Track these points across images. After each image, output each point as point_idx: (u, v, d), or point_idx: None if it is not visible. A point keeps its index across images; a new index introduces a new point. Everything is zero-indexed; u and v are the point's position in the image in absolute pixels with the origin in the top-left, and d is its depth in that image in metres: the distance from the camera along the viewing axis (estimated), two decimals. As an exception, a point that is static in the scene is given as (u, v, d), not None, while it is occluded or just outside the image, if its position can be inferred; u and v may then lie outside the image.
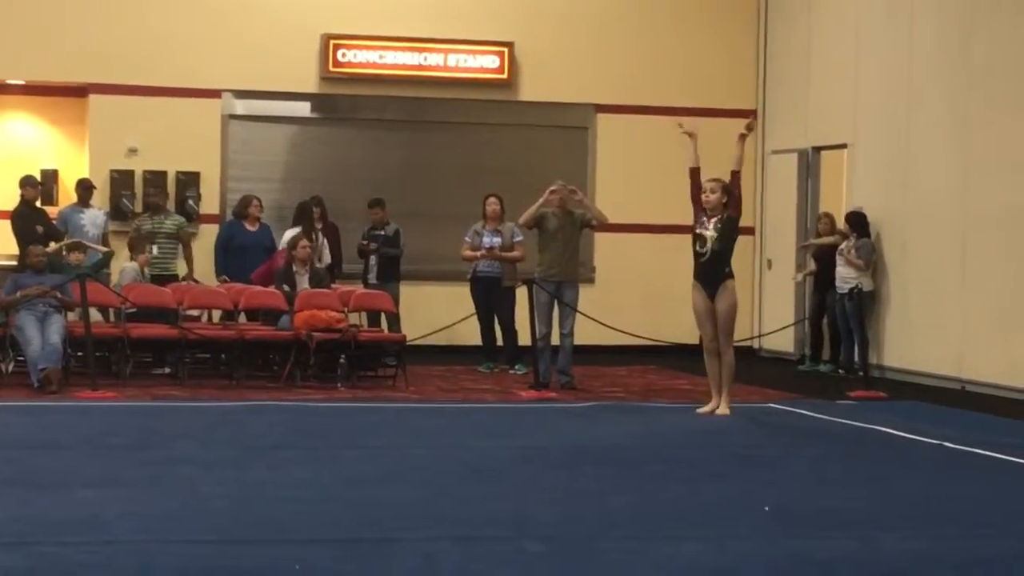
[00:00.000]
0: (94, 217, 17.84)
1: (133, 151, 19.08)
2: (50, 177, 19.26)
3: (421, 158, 20.13)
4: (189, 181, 19.31)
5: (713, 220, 13.69)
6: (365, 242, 18.19)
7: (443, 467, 10.72)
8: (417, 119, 20.17)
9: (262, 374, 16.33)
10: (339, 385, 15.74)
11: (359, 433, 12.70)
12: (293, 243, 17.01)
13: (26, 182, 17.71)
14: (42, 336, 14.99)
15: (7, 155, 19.45)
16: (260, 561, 7.51)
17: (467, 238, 17.61)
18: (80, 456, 10.92)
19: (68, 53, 18.87)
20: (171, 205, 18.77)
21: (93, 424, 12.78)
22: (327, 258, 17.80)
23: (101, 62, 18.97)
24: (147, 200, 18.37)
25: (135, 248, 17.22)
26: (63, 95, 19.63)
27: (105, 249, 17.33)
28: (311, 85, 19.79)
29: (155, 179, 18.98)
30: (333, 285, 17.08)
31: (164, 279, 17.20)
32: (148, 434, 12.26)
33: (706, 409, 13.91)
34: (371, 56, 19.90)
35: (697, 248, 13.77)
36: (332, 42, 19.68)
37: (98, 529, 8.11)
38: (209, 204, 19.36)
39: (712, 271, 13.70)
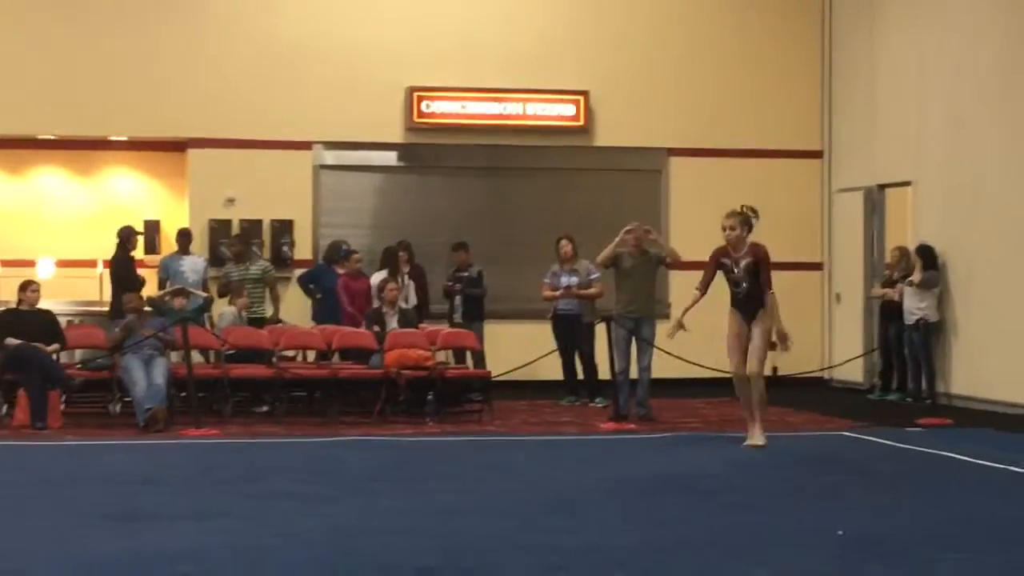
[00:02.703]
0: (193, 264, 17.95)
1: (230, 201, 19.21)
2: (152, 227, 19.41)
3: (502, 203, 20.14)
4: (283, 228, 19.41)
5: (740, 262, 13.18)
6: (450, 283, 18.21)
7: (529, 498, 10.64)
8: (497, 166, 20.18)
9: (354, 410, 16.33)
10: (428, 420, 15.73)
11: (448, 466, 12.67)
12: (381, 286, 17.07)
13: (124, 232, 17.84)
14: (147, 377, 15.08)
15: (112, 207, 19.62)
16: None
17: (546, 279, 17.59)
18: (183, 490, 10.95)
19: (168, 111, 19.04)
20: (266, 252, 18.87)
21: (196, 460, 12.83)
22: (413, 299, 17.81)
23: (199, 118, 19.13)
24: (232, 249, 18.47)
25: (232, 293, 17.35)
26: (164, 150, 19.80)
27: (205, 295, 17.44)
28: (397, 135, 19.85)
29: (251, 228, 19.11)
30: (420, 325, 17.09)
31: (253, 322, 17.27)
32: (248, 469, 12.27)
33: (750, 442, 13.48)
34: (453, 107, 19.96)
35: (732, 288, 13.32)
36: (416, 94, 19.75)
37: (200, 560, 8.09)
38: (302, 250, 19.43)
39: (749, 304, 13.30)
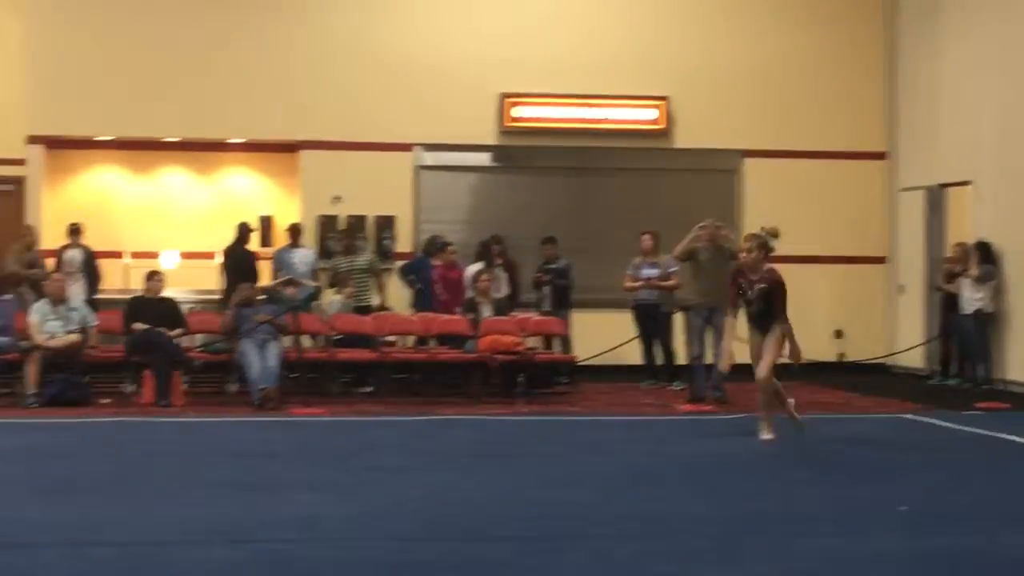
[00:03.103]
0: (304, 256, 18.11)
1: (337, 199, 19.32)
2: (266, 223, 19.58)
3: (587, 200, 20.12)
4: (385, 224, 19.51)
5: (755, 285, 12.18)
6: (539, 275, 18.22)
7: (612, 472, 10.67)
8: (583, 166, 20.16)
9: (450, 392, 16.40)
10: (518, 401, 15.77)
11: (537, 443, 12.71)
12: (475, 277, 17.14)
13: (242, 227, 18.05)
14: (262, 360, 15.22)
15: (229, 204, 19.81)
16: (451, 555, 7.53)
17: (629, 271, 17.58)
18: (294, 464, 11.05)
19: (282, 115, 19.20)
20: (370, 245, 18.98)
21: (305, 436, 12.96)
22: (506, 290, 17.85)
23: (310, 122, 19.28)
24: (341, 243, 18.59)
25: (340, 283, 17.49)
26: (278, 151, 19.94)
27: (314, 284, 17.58)
28: (490, 138, 19.89)
29: (356, 223, 19.22)
30: (512, 313, 17.14)
31: (360, 310, 17.39)
32: (352, 444, 12.38)
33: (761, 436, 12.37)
34: (542, 112, 19.97)
35: (746, 307, 12.30)
36: (507, 100, 19.78)
37: (310, 528, 8.18)
38: (403, 244, 19.53)
39: (763, 321, 12.24)
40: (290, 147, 19.71)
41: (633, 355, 17.80)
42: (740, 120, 20.25)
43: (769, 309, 12.18)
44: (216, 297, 17.97)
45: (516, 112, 19.86)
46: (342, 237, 18.67)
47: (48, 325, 15.43)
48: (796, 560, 7.51)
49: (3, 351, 15.26)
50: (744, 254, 12.37)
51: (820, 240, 20.18)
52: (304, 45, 19.42)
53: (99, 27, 19.06)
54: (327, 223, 19.32)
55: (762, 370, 12.18)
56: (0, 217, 19.27)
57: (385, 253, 19.15)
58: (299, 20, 19.48)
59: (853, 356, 19.68)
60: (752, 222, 19.91)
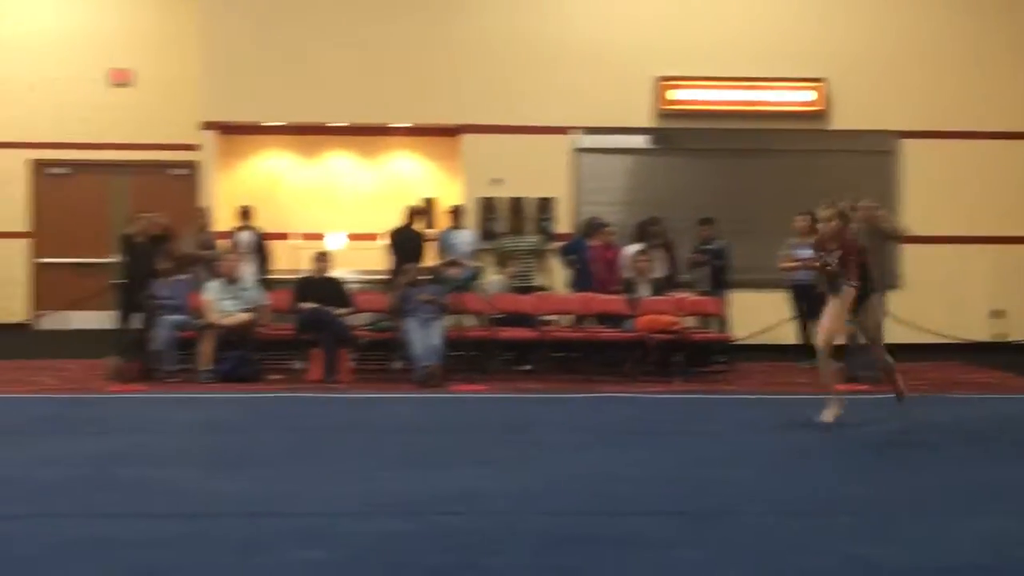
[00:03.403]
0: (466, 237, 18.31)
1: (498, 181, 19.50)
2: (429, 205, 19.82)
3: (744, 181, 20.04)
4: (545, 206, 19.65)
5: (833, 252, 12.02)
6: (696, 255, 18.20)
7: (767, 449, 10.67)
8: (740, 148, 20.07)
9: (608, 370, 16.47)
10: (675, 379, 15.80)
11: (693, 421, 12.74)
12: (634, 258, 17.19)
13: (409, 209, 18.33)
14: (425, 338, 15.44)
15: (394, 186, 20.10)
16: (611, 530, 7.62)
17: (785, 251, 17.48)
18: (457, 439, 11.21)
19: (445, 100, 19.43)
20: (529, 227, 19.13)
21: (467, 412, 13.12)
22: (663, 270, 17.86)
23: (472, 107, 19.47)
24: (506, 224, 18.78)
25: (502, 263, 17.67)
26: (440, 135, 20.17)
27: (476, 264, 17.78)
28: (646, 121, 19.89)
29: (516, 205, 19.39)
30: (669, 293, 17.16)
31: (522, 290, 17.53)
32: (513, 421, 12.51)
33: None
34: (698, 94, 19.92)
35: (828, 279, 12.14)
36: (663, 83, 19.77)
37: (474, 500, 8.33)
38: (562, 225, 19.64)
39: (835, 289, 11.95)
40: (452, 131, 19.93)
41: (790, 335, 17.71)
42: (899, 101, 20.00)
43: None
44: (381, 277, 18.26)
45: (672, 95, 19.84)
46: (509, 218, 18.88)
47: (222, 304, 15.86)
48: (947, 540, 7.47)
49: (180, 329, 15.71)
50: (824, 224, 12.16)
51: (979, 220, 19.87)
52: (465, 33, 19.61)
53: (269, 17, 19.45)
54: (487, 205, 19.52)
55: (821, 338, 12.01)
56: (175, 200, 19.83)
57: (544, 234, 19.28)
58: (460, 9, 19.69)
59: (1015, 336, 19.37)
60: (910, 201, 19.74)
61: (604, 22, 19.81)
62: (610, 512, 8.11)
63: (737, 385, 15.59)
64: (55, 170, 21.03)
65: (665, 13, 19.91)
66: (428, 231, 18.99)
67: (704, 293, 17.78)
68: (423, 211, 18.93)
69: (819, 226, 12.37)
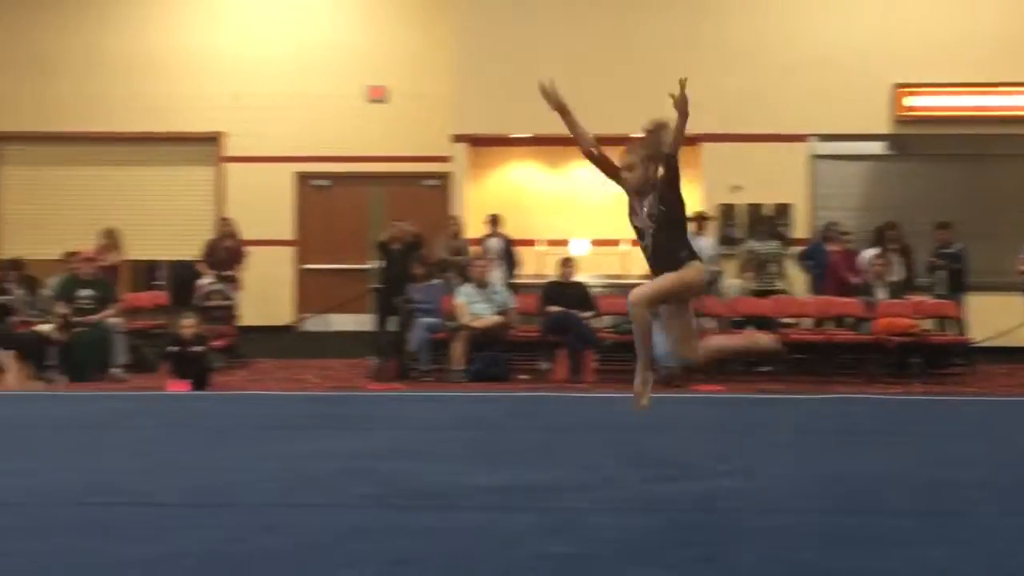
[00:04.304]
0: (706, 243, 18.18)
1: (737, 188, 19.35)
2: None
3: (981, 185, 19.48)
4: (782, 211, 19.42)
5: (646, 204, 7.76)
6: (934, 259, 17.77)
7: (1004, 451, 10.34)
8: (976, 152, 19.52)
9: (846, 371, 16.19)
10: (914, 381, 15.45)
11: (932, 422, 12.44)
12: (871, 262, 16.87)
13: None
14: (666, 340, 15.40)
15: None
16: (850, 529, 7.48)
17: (1022, 254, 16.94)
18: (698, 438, 11.16)
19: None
20: (768, 232, 18.93)
21: (707, 412, 13.05)
22: (901, 273, 17.49)
23: (711, 117, 19.30)
24: (755, 229, 18.63)
25: (744, 268, 17.54)
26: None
27: (715, 269, 17.67)
28: (883, 127, 19.50)
29: (754, 211, 19.21)
30: (906, 296, 16.78)
31: (763, 293, 17.36)
32: (752, 421, 12.40)
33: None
34: (936, 100, 19.44)
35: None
36: (900, 90, 19.35)
37: (714, 498, 8.25)
38: (800, 230, 19.38)
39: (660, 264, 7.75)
40: (691, 140, 19.78)
41: (1029, 338, 17.16)
42: None
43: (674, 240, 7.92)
44: (621, 282, 18.27)
45: (909, 101, 19.40)
46: (758, 223, 18.74)
47: (473, 307, 16.09)
48: None
49: (433, 330, 16.00)
50: (625, 173, 7.87)
51: None
52: (704, 43, 19.51)
53: (515, 35, 19.66)
54: (727, 211, 19.38)
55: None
56: (428, 209, 20.20)
57: (783, 239, 19.05)
58: (700, 19, 19.59)
59: None
60: None
61: (841, 29, 19.50)
62: (842, 510, 7.96)
63: (976, 387, 15.16)
64: (317, 182, 21.63)
65: (901, 19, 19.48)
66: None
67: (942, 296, 17.35)
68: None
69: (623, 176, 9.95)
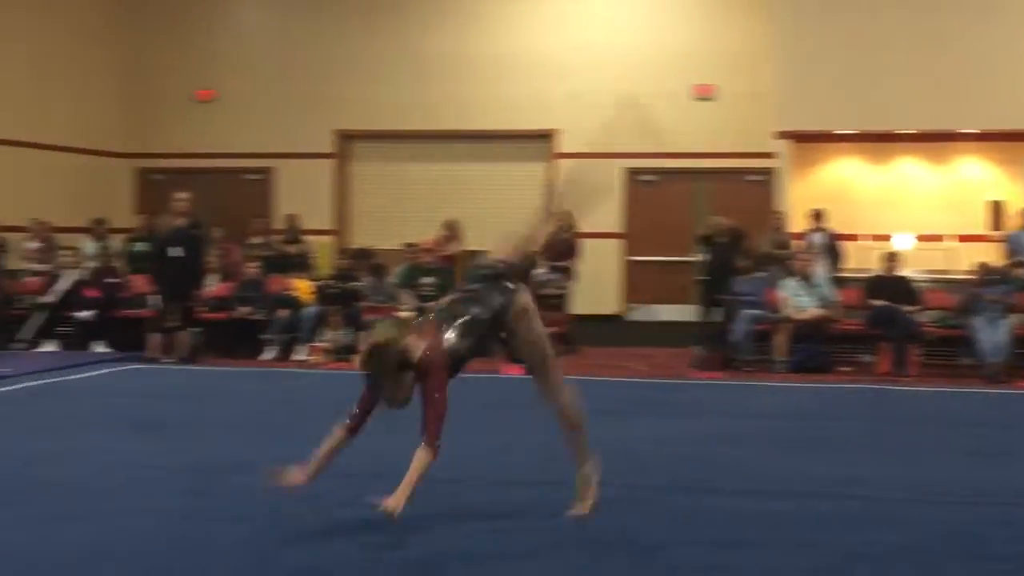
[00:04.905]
0: (1034, 238, 17.66)
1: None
2: (996, 207, 19.20)
3: None
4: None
5: None
6: None
7: None
8: None
9: None
10: None
11: None
12: None
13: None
14: (992, 336, 15.04)
15: (961, 190, 19.63)
16: (986, 517, 7.35)
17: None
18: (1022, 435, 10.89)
19: (1011, 105, 18.71)
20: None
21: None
22: None
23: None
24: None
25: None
26: (1006, 140, 19.48)
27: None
28: None
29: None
30: None
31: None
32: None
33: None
34: None
35: None
36: None
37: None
38: None
39: None
40: (1018, 136, 19.19)
41: None
42: None
43: None
44: (945, 277, 17.83)
45: None
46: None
47: (797, 300, 16.03)
48: None
49: (757, 322, 16.01)
50: None
51: None
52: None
53: (839, 31, 19.37)
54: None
55: None
56: (752, 204, 20.17)
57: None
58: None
59: None
60: None
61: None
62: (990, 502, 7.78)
63: None
64: (645, 177, 21.88)
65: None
66: (995, 233, 18.41)
67: None
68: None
69: None
